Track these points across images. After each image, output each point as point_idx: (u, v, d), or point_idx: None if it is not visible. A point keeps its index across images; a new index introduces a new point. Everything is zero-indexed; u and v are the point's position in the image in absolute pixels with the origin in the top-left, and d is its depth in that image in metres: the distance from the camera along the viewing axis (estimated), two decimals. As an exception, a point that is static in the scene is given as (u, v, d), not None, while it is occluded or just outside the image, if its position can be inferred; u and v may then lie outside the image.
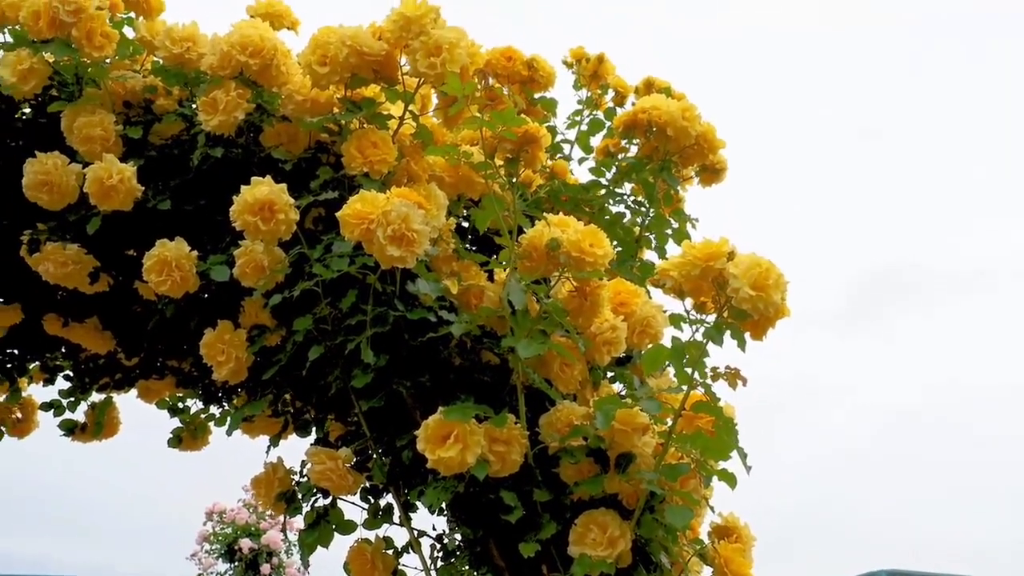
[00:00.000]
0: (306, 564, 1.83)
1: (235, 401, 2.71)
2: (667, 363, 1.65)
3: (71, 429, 2.72)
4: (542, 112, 2.27)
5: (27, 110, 2.09)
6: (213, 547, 7.31)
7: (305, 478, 1.84)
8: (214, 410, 2.81)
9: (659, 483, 1.59)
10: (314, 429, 2.40)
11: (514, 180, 1.63)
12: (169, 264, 1.74)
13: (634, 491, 1.67)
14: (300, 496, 1.85)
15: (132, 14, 2.03)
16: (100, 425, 2.73)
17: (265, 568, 7.26)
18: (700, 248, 1.59)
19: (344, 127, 1.81)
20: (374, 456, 1.73)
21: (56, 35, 1.83)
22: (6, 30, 2.05)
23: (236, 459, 2.94)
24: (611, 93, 2.46)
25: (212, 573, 7.29)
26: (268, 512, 7.43)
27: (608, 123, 2.43)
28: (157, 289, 1.75)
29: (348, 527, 1.87)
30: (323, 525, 1.86)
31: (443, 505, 1.69)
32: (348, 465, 1.72)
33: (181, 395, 2.79)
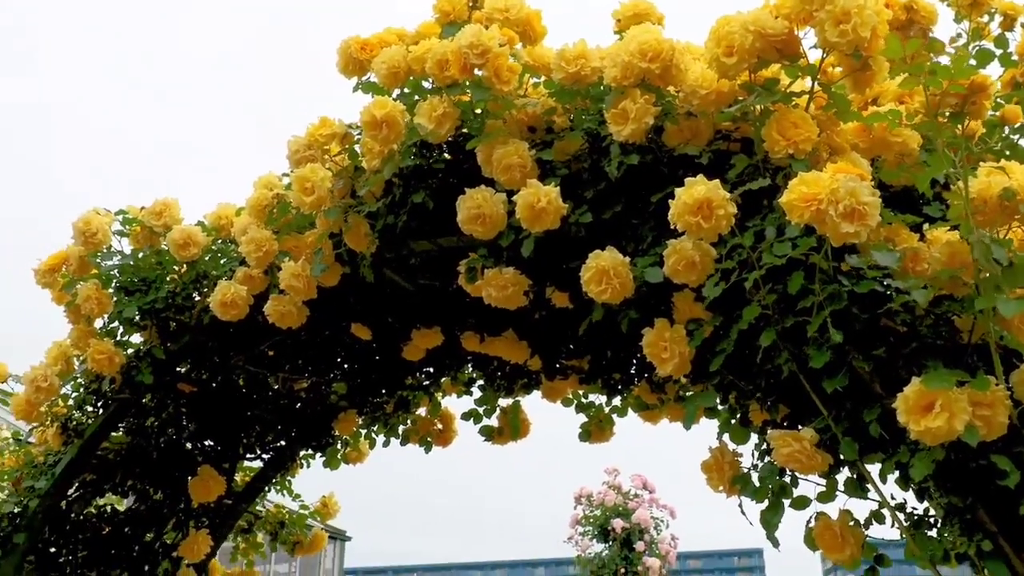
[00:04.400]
0: (775, 542, 1.84)
1: (634, 392, 2.80)
2: None
3: (490, 434, 2.94)
4: (927, 55, 2.14)
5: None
6: (586, 529, 7.64)
7: (764, 461, 1.86)
8: (616, 401, 2.92)
9: None
10: (727, 411, 2.43)
11: (961, 134, 1.55)
12: (607, 273, 1.81)
13: None
14: (757, 478, 1.87)
15: (520, 44, 2.13)
16: (516, 428, 2.91)
17: (639, 545, 7.49)
18: None
19: (751, 112, 1.80)
20: (838, 433, 1.71)
21: (466, 78, 1.95)
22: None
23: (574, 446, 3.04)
24: (997, 19, 2.28)
25: (589, 553, 7.63)
26: (633, 493, 7.65)
27: (999, 51, 2.26)
28: (599, 299, 1.83)
29: (801, 503, 1.88)
30: (779, 504, 1.88)
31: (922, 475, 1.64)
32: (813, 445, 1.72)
33: (582, 391, 2.93)
